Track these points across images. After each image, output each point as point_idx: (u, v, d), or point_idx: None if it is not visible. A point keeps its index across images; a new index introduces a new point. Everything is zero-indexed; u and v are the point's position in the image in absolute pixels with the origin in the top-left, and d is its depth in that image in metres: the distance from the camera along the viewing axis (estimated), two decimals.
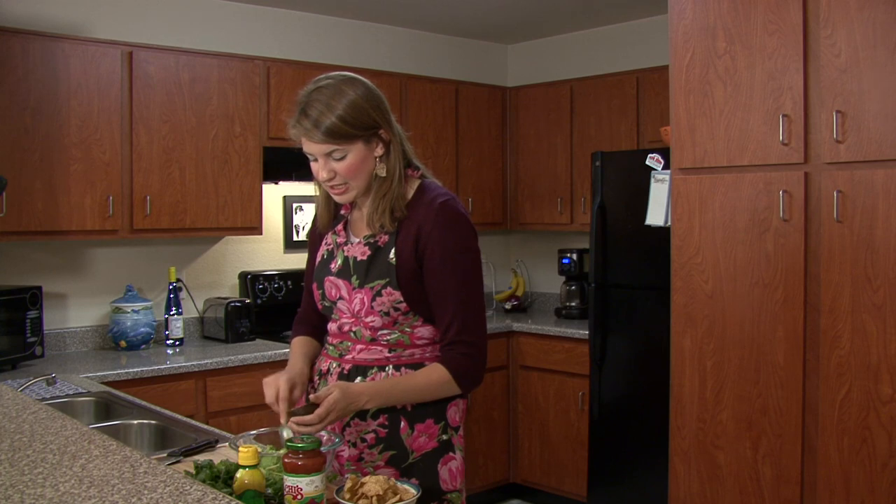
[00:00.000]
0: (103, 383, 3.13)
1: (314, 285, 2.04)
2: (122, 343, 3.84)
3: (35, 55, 3.45)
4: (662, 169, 3.76)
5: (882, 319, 2.73)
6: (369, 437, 1.90)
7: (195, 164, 3.87)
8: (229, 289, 4.38)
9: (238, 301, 4.08)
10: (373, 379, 1.91)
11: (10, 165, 3.40)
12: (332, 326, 2.01)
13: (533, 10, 4.70)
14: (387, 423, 1.90)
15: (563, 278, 5.02)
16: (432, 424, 1.93)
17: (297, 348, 2.10)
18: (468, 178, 4.99)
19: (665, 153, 3.70)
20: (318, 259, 2.04)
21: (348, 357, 1.95)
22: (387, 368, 1.91)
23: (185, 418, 2.48)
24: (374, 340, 1.93)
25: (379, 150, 1.88)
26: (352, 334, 1.95)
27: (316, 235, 2.10)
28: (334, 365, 1.98)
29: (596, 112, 4.76)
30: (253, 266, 4.46)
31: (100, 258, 4.00)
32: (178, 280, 4.10)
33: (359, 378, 1.92)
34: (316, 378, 2.03)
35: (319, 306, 2.04)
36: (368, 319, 1.91)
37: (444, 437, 1.95)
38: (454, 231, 1.88)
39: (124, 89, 3.69)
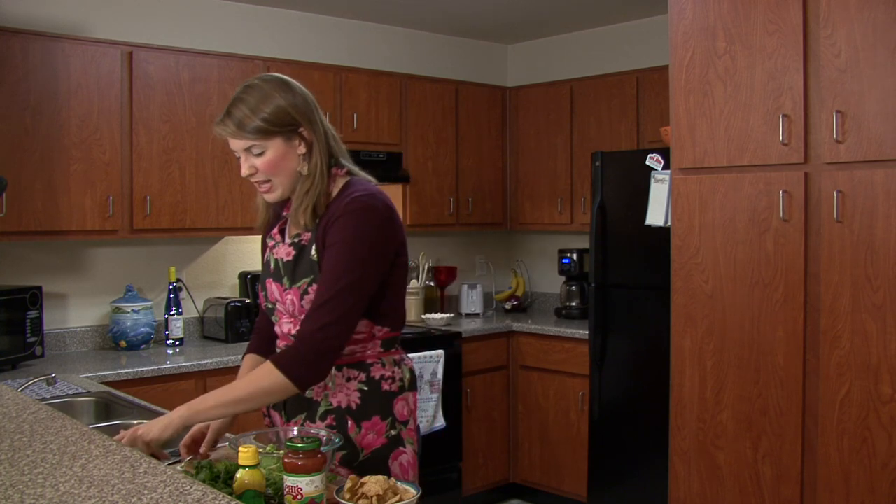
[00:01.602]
0: (103, 383, 3.13)
1: (258, 287, 2.08)
2: (122, 343, 3.83)
3: (35, 55, 3.45)
4: (662, 169, 3.76)
5: (882, 319, 2.73)
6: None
7: (195, 164, 3.87)
8: (229, 289, 4.38)
9: (238, 301, 4.08)
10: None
11: (10, 165, 3.40)
12: (277, 329, 2.03)
13: (533, 10, 4.70)
14: (334, 423, 1.91)
15: (563, 278, 5.02)
16: (379, 421, 1.93)
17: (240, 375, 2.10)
18: (468, 178, 4.99)
19: (665, 153, 3.70)
20: (263, 262, 2.07)
21: None
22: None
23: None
24: None
25: (301, 149, 1.90)
26: (292, 337, 1.96)
27: (265, 238, 2.12)
28: None
29: (596, 112, 4.76)
30: (253, 266, 4.46)
31: (100, 258, 4.00)
32: (178, 280, 4.10)
33: None
34: None
35: (264, 307, 2.06)
36: (303, 318, 1.92)
37: (393, 432, 1.95)
38: (353, 220, 1.85)
39: (124, 89, 3.69)
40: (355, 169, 2.01)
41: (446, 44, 5.27)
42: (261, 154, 1.88)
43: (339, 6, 4.57)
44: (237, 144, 1.90)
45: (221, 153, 3.95)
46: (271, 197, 1.95)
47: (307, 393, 1.93)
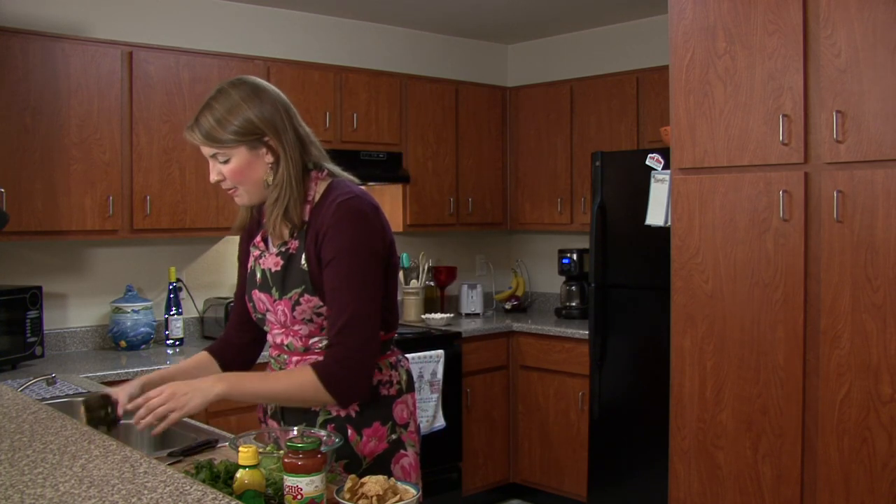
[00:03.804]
0: (103, 383, 3.13)
1: (245, 297, 2.05)
2: (122, 343, 3.84)
3: (35, 55, 3.45)
4: (662, 169, 3.76)
5: (882, 319, 2.73)
6: None
7: (195, 164, 3.87)
8: (229, 289, 4.37)
9: None
10: None
11: (10, 165, 3.40)
12: (269, 338, 2.02)
13: (533, 10, 4.70)
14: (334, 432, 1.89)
15: (563, 278, 5.02)
16: (379, 427, 1.93)
17: (177, 365, 2.11)
18: (468, 178, 4.99)
19: (665, 153, 3.70)
20: (248, 271, 2.05)
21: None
22: None
23: (184, 418, 2.47)
24: (307, 350, 1.92)
25: (269, 158, 1.88)
26: (286, 346, 1.96)
27: (242, 242, 2.11)
28: None
29: (596, 112, 4.76)
30: None
31: (100, 258, 4.00)
32: (178, 280, 4.10)
33: None
34: None
35: (254, 318, 2.05)
36: (296, 328, 1.91)
37: (394, 436, 1.95)
38: (348, 228, 1.84)
39: (124, 89, 3.69)
40: (337, 170, 1.98)
41: (446, 44, 5.27)
42: (226, 162, 1.88)
43: (339, 6, 4.57)
44: (204, 150, 1.91)
45: None
46: (239, 201, 1.96)
47: None
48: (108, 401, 1.91)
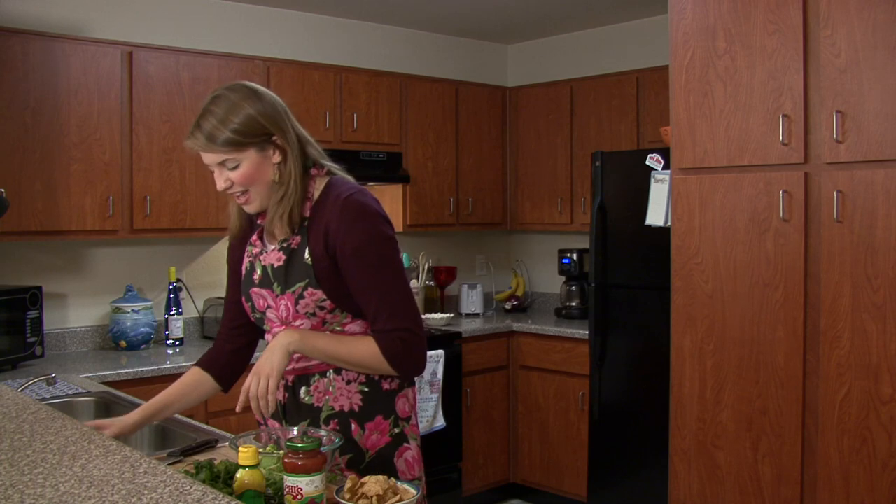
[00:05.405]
0: (103, 383, 3.13)
1: (243, 298, 2.04)
2: (122, 343, 3.83)
3: (35, 55, 3.45)
4: (662, 169, 3.76)
5: (882, 319, 2.73)
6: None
7: (195, 164, 3.87)
8: None
9: None
10: (316, 387, 1.93)
11: (10, 165, 3.40)
12: (268, 337, 2.01)
13: (533, 10, 4.70)
14: (337, 427, 1.91)
15: (563, 278, 5.02)
16: (382, 420, 1.94)
17: (171, 388, 2.12)
18: (468, 178, 4.99)
19: (665, 153, 3.70)
20: (244, 272, 2.04)
21: (288, 368, 1.93)
22: (328, 374, 1.92)
23: (185, 418, 2.47)
24: None
25: (276, 157, 1.88)
26: None
27: (233, 248, 2.10)
28: None
29: (596, 112, 4.76)
30: None
31: (100, 258, 4.00)
32: (178, 280, 4.10)
33: (303, 387, 1.94)
34: None
35: (252, 318, 2.05)
36: (297, 324, 1.91)
37: (396, 430, 1.96)
38: (359, 223, 1.86)
39: (124, 89, 3.69)
40: (335, 168, 1.99)
41: (446, 44, 5.27)
42: (235, 167, 1.86)
43: (339, 6, 4.57)
44: (210, 158, 1.88)
45: None
46: (250, 208, 1.94)
47: (307, 399, 1.93)
48: None
